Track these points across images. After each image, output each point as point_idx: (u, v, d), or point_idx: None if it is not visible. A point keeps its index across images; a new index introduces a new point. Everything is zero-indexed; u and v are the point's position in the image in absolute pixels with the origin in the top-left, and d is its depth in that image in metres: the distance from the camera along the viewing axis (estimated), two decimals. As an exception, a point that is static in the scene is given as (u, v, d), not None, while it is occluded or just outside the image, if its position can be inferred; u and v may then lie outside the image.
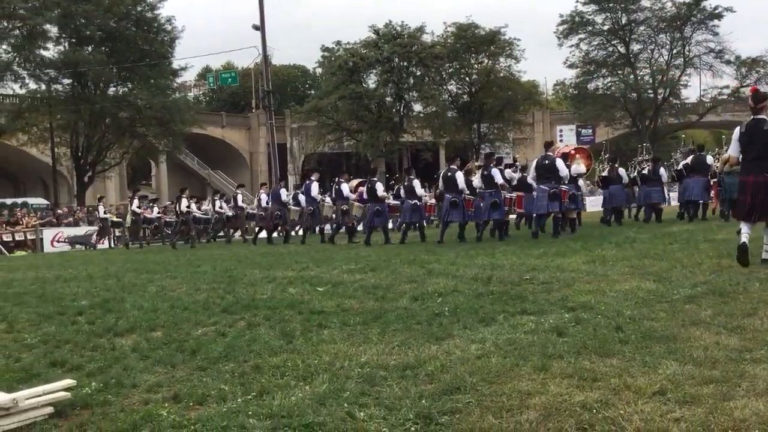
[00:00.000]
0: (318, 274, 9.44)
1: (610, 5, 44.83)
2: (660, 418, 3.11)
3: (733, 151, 8.23)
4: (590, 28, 46.00)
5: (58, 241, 26.16)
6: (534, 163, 14.55)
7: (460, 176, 14.61)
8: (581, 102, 49.01)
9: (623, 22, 45.39)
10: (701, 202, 16.84)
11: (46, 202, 39.36)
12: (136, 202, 24.41)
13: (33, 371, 4.68)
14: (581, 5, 45.17)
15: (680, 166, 18.09)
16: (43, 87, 36.77)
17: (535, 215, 14.74)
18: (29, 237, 25.98)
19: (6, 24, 33.46)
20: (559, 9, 64.82)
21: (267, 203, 20.55)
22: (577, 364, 4.03)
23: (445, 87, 48.60)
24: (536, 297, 6.40)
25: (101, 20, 36.08)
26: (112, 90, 39.33)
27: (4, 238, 25.11)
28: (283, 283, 8.59)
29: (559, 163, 13.93)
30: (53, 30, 36.15)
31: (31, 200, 37.72)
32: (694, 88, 71.69)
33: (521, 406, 3.39)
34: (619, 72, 46.54)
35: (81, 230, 27.79)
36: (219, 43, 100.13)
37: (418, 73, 46.27)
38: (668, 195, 20.80)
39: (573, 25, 45.80)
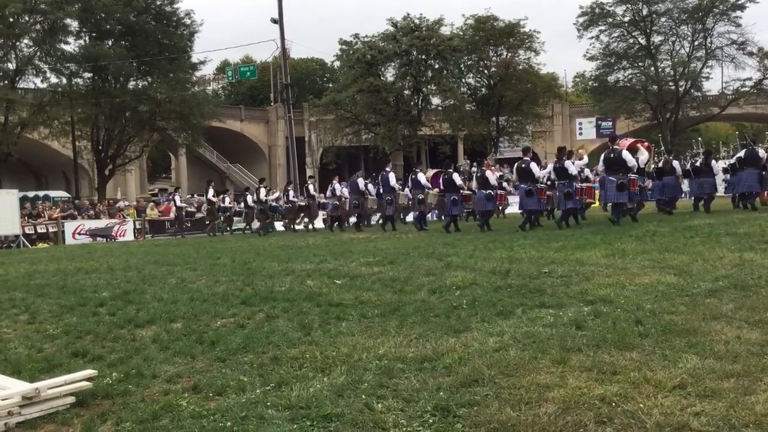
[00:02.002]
0: (336, 266, 9.46)
1: (631, -4, 44.37)
2: (680, 412, 3.09)
3: None
4: (610, 19, 45.44)
5: (79, 234, 26.43)
6: (602, 157, 15.27)
7: (534, 167, 15.51)
8: (601, 94, 48.45)
9: (644, 13, 44.79)
10: (755, 192, 17.45)
11: (68, 195, 39.79)
12: (211, 191, 25.79)
13: (55, 361, 4.75)
14: (601, -4, 44.74)
15: (734, 159, 18.63)
16: (64, 81, 37.05)
17: (611, 204, 15.39)
18: (51, 230, 26.28)
19: (27, 18, 33.72)
20: (579, 1, 64.37)
21: (339, 192, 21.69)
22: (596, 357, 4.01)
23: (463, 80, 48.30)
24: (555, 290, 6.37)
25: (121, 14, 36.28)
26: (132, 84, 39.51)
27: (27, 231, 25.41)
28: (302, 275, 8.62)
29: (626, 155, 14.72)
30: (74, 24, 36.40)
31: (52, 193, 38.12)
32: (715, 80, 71.04)
33: (540, 399, 3.38)
34: (640, 64, 45.93)
35: (102, 223, 28.07)
36: (238, 37, 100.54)
37: (437, 66, 46.01)
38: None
39: (593, 16, 45.28)
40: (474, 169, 24.46)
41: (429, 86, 46.43)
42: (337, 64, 53.30)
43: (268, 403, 3.55)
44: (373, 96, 44.11)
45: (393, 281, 7.60)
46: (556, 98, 56.80)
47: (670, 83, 45.09)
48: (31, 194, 34.70)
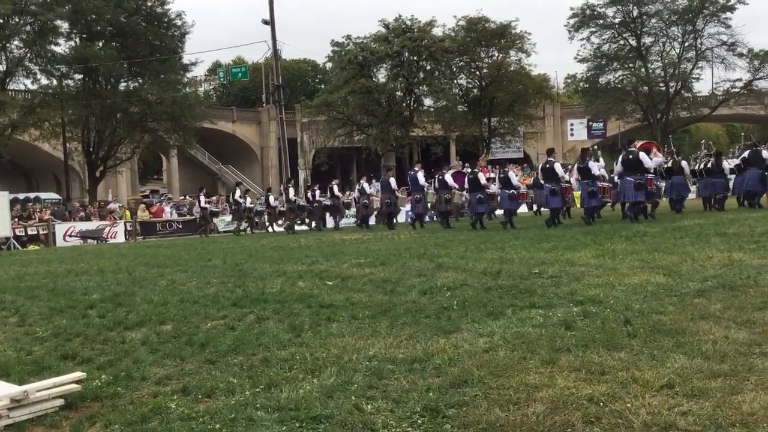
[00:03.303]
0: (328, 267, 9.46)
1: (621, -2, 44.54)
2: (667, 411, 3.11)
3: None
4: (601, 21, 45.57)
5: (70, 236, 26.33)
6: (620, 158, 16.06)
7: (558, 167, 16.55)
8: (592, 96, 48.60)
9: (634, 14, 44.97)
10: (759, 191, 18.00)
11: (59, 197, 39.62)
12: (238, 192, 26.56)
13: (44, 364, 4.73)
14: (592, -2, 44.89)
15: (738, 160, 19.42)
16: (55, 82, 36.90)
17: (627, 204, 16.24)
18: (42, 231, 26.17)
19: (17, 20, 33.54)
20: (570, 2, 64.52)
21: (369, 191, 22.80)
22: (585, 357, 4.03)
23: (455, 81, 48.36)
24: (545, 291, 6.39)
25: (112, 16, 36.18)
26: (122, 85, 39.40)
27: (17, 233, 25.29)
28: (293, 277, 8.61)
29: (643, 156, 15.67)
30: (64, 26, 36.27)
31: (43, 195, 38.01)
32: (706, 81, 71.20)
33: (528, 399, 3.39)
34: (631, 65, 46.10)
35: (93, 225, 27.98)
36: (229, 38, 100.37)
37: (428, 67, 46.06)
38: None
39: (584, 18, 45.40)
40: (467, 170, 24.76)
41: (421, 87, 46.46)
42: (329, 65, 53.28)
43: (258, 405, 3.55)
44: (365, 97, 44.11)
45: (384, 282, 7.61)
46: (548, 99, 56.99)
47: (661, 84, 45.28)
48: (21, 196, 34.55)
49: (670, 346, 4.15)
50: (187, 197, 40.35)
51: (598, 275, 7.03)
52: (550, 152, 17.66)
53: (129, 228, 28.30)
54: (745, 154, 18.77)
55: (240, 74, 45.61)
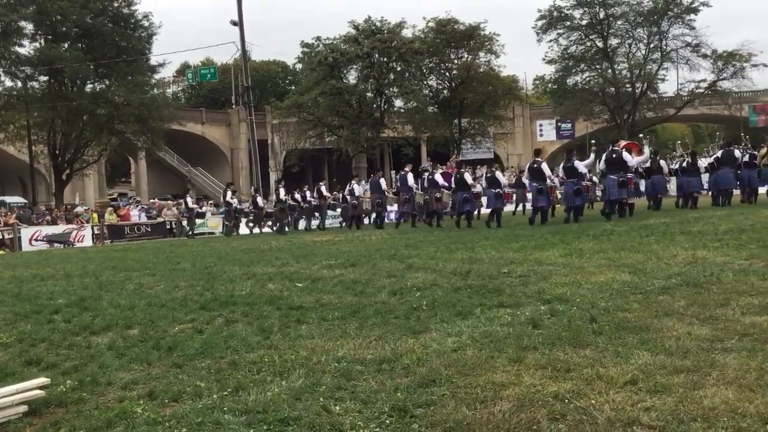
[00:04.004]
0: (298, 269, 9.43)
1: (588, 0, 45.04)
2: (631, 407, 3.16)
3: None
4: (568, 23, 46.05)
5: (36, 240, 25.86)
6: (603, 157, 16.77)
7: (545, 166, 17.04)
8: (560, 97, 49.11)
9: (601, 16, 45.51)
10: (731, 190, 18.95)
11: (24, 200, 38.90)
12: (229, 193, 26.90)
13: (8, 370, 4.65)
14: (559, 0, 45.39)
15: (712, 159, 20.21)
16: (19, 84, 36.24)
17: (606, 200, 16.75)
18: (7, 236, 25.66)
19: (-20, 21, 32.96)
20: (537, 4, 65.13)
21: (359, 192, 23.03)
22: (551, 355, 4.08)
23: (425, 82, 48.53)
24: (513, 290, 6.44)
25: (77, 17, 35.60)
26: (89, 87, 38.79)
27: (-19, 238, 24.79)
28: (263, 279, 8.57)
29: (626, 156, 16.40)
30: (28, 27, 35.62)
31: (8, 199, 37.28)
32: (671, 82, 72.40)
33: (495, 398, 3.42)
34: (598, 67, 46.64)
35: (59, 229, 27.52)
36: (198, 39, 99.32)
37: (399, 69, 46.16)
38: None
39: (551, 20, 45.84)
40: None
41: (391, 89, 46.55)
42: (299, 66, 53.12)
43: (225, 409, 3.53)
44: (335, 98, 44.06)
45: (354, 283, 7.61)
46: (517, 100, 57.47)
47: (627, 85, 45.90)
48: (-14, 200, 33.86)
49: (635, 343, 4.22)
50: (156, 200, 39.86)
51: (566, 274, 7.12)
52: (538, 152, 18.39)
53: (96, 232, 27.89)
54: (719, 153, 19.50)
55: (209, 75, 45.25)
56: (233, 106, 60.99)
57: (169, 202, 36.57)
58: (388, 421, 3.25)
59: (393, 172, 30.05)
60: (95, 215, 30.88)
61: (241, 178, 59.22)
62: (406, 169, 21.70)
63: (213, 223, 31.05)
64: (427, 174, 20.42)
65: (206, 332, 5.50)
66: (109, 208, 32.82)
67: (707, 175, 20.03)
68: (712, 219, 13.00)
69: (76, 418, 3.61)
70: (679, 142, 32.48)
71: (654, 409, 3.12)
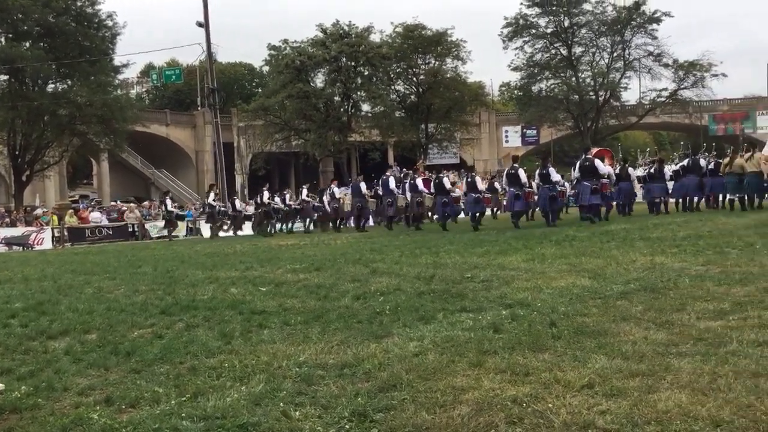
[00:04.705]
0: (262, 274, 9.38)
1: (553, 8, 45.61)
2: (587, 410, 3.20)
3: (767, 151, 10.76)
4: (534, 31, 46.65)
5: (-7, 243, 25.31)
6: (577, 165, 17.67)
7: (522, 173, 17.93)
8: (525, 104, 49.71)
9: (566, 25, 46.20)
10: (696, 197, 19.95)
11: (-18, 202, 38.00)
12: (212, 195, 27.05)
13: (-40, 376, 4.53)
14: (525, 8, 45.92)
15: (677, 167, 21.10)
16: (-22, 84, 35.50)
17: (580, 206, 17.69)
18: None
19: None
20: (504, 11, 65.89)
21: (339, 195, 23.77)
22: (511, 359, 4.12)
23: (392, 87, 48.66)
24: (476, 295, 6.49)
25: (39, 15, 34.94)
26: (51, 87, 38.11)
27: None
28: (226, 283, 8.50)
29: (598, 163, 17.33)
30: (-12, 25, 34.95)
31: (-35, 200, 36.38)
32: (633, 91, 73.73)
33: (454, 402, 3.44)
34: (562, 74, 47.31)
35: (18, 231, 26.94)
36: (163, 40, 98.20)
37: (366, 73, 46.18)
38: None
39: (517, 27, 46.40)
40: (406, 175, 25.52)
41: (359, 93, 46.55)
42: (265, 69, 52.85)
43: (183, 415, 3.49)
44: (302, 102, 43.89)
45: (318, 288, 7.59)
46: (483, 107, 57.96)
47: (591, 93, 46.61)
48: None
49: (592, 347, 4.28)
50: (119, 202, 39.25)
51: (528, 279, 7.20)
52: (515, 159, 19.55)
53: (57, 234, 27.34)
54: (685, 162, 20.40)
55: (174, 77, 44.68)
56: (198, 108, 60.40)
57: (132, 204, 36.07)
58: (347, 426, 3.25)
59: (360, 176, 30.19)
60: (55, 217, 30.28)
61: (207, 181, 58.57)
62: (388, 173, 22.57)
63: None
64: (409, 179, 21.18)
65: (166, 337, 5.43)
66: (70, 211, 32.20)
67: (672, 182, 20.71)
68: (671, 225, 13.28)
69: (31, 425, 3.54)
70: (648, 149, 33.45)
71: (609, 413, 3.16)
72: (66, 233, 27.48)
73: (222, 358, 4.61)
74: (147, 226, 30.70)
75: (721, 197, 19.93)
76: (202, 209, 30.37)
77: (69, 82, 38.18)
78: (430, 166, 45.47)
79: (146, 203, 39.75)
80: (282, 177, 65.70)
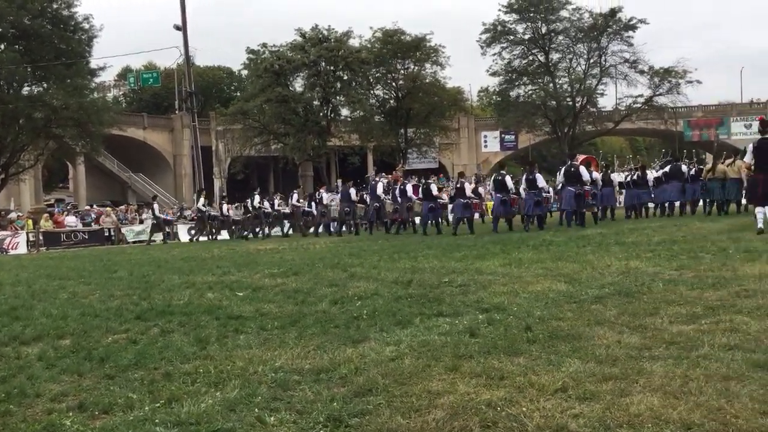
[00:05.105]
0: (239, 278, 9.34)
1: (531, 15, 45.88)
2: (560, 414, 3.23)
3: (748, 159, 12.20)
4: (511, 37, 46.85)
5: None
6: (562, 170, 18.08)
7: (509, 179, 18.60)
8: (504, 109, 49.94)
9: (543, 31, 46.48)
10: (678, 202, 20.63)
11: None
12: (201, 200, 27.77)
13: (-71, 383, 4.45)
14: (503, 14, 46.19)
15: (659, 173, 21.52)
16: (-48, 86, 34.90)
17: (564, 212, 18.13)
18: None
19: None
20: (483, 18, 66.19)
21: (327, 201, 23.97)
22: (486, 363, 4.14)
23: (372, 92, 48.67)
24: (453, 299, 6.52)
25: (14, 17, 34.46)
26: (26, 90, 37.51)
27: None
28: (202, 288, 8.45)
29: (582, 170, 17.75)
30: (-38, 27, 34.39)
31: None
32: (610, 97, 74.30)
33: (429, 406, 3.45)
34: (539, 80, 47.58)
35: (-9, 235, 26.55)
36: (140, 43, 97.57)
37: (345, 78, 46.13)
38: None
39: (495, 34, 46.59)
40: (384, 180, 25.92)
41: (338, 97, 46.49)
42: (244, 72, 52.59)
43: (157, 421, 3.46)
44: (281, 106, 43.73)
45: (296, 292, 7.58)
46: (462, 112, 58.18)
47: (568, 99, 46.93)
48: None
49: (567, 351, 4.32)
50: (94, 206, 38.82)
51: (504, 283, 7.24)
52: (502, 166, 20.99)
53: (32, 239, 26.99)
54: (667, 168, 20.95)
55: (151, 80, 44.37)
56: (176, 112, 59.94)
57: (108, 208, 35.72)
58: (322, 431, 3.25)
59: (339, 180, 30.33)
60: (30, 222, 29.88)
61: (185, 185, 58.25)
62: (377, 178, 23.46)
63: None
64: (398, 185, 22.06)
65: (141, 343, 5.38)
66: (45, 215, 31.81)
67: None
68: (646, 230, 13.44)
69: (2, 431, 3.49)
70: (630, 156, 34.10)
71: (582, 416, 3.19)
72: (41, 238, 27.15)
73: (197, 363, 4.58)
74: (123, 230, 30.42)
75: (701, 202, 20.47)
76: (183, 215, 30.47)
77: (45, 85, 37.67)
78: (410, 171, 45.72)
79: (123, 207, 39.33)
80: (261, 181, 65.36)
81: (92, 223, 31.29)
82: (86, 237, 28.82)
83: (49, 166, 55.66)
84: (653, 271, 7.49)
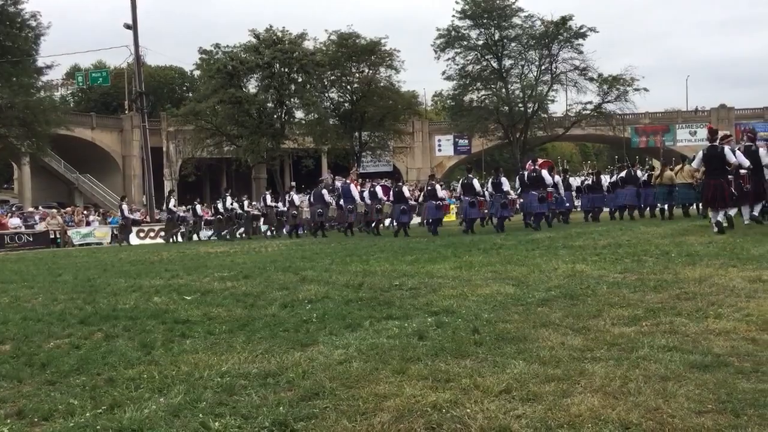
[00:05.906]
0: (188, 282, 9.21)
1: (484, 21, 46.44)
2: (503, 415, 3.28)
3: (697, 164, 12.89)
4: (465, 42, 47.35)
5: None
6: (525, 174, 18.92)
7: (476, 183, 19.11)
8: (457, 114, 50.39)
9: (496, 38, 47.07)
10: (634, 205, 21.23)
11: None
12: (172, 201, 27.90)
13: None
14: (457, 20, 46.62)
15: (615, 178, 22.24)
16: None
17: (526, 213, 19.02)
18: None
19: None
20: (438, 22, 66.82)
21: (298, 202, 24.35)
22: (434, 366, 4.17)
23: (326, 94, 48.59)
24: (403, 302, 6.55)
25: (-43, 13, 33.46)
26: (-31, 88, 36.43)
27: None
28: (149, 292, 8.31)
29: (545, 174, 18.82)
30: None
31: None
32: (560, 103, 76.04)
33: (376, 409, 3.46)
34: (492, 86, 48.15)
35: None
36: (90, 42, 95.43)
37: (300, 80, 45.93)
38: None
39: (449, 39, 47.02)
40: (338, 183, 26.15)
41: (292, 99, 46.24)
42: (197, 73, 51.92)
43: (98, 427, 3.39)
44: (234, 107, 43.28)
45: (245, 296, 7.51)
46: (417, 115, 58.51)
47: (520, 105, 47.60)
48: None
49: (512, 353, 4.38)
50: (40, 207, 37.78)
51: (454, 286, 7.31)
52: (470, 170, 21.12)
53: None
54: (623, 174, 21.73)
55: (101, 79, 43.32)
56: (126, 112, 58.81)
57: (53, 210, 34.82)
58: (268, 436, 3.23)
59: (293, 183, 30.24)
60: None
61: (134, 187, 57.17)
62: (348, 181, 23.79)
63: (100, 233, 29.90)
64: (369, 187, 22.50)
65: (83, 348, 5.27)
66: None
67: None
68: (593, 234, 13.72)
69: (-67, 442, 3.38)
70: (588, 162, 34.98)
71: (525, 417, 3.25)
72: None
73: (141, 368, 4.50)
74: (70, 232, 29.69)
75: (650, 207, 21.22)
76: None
77: (-11, 83, 36.56)
78: (364, 174, 45.74)
79: (69, 209, 38.37)
80: (213, 183, 64.61)
81: (35, 226, 30.46)
82: (31, 239, 28.05)
83: (-8, 166, 54.03)
84: (598, 274, 7.66)
